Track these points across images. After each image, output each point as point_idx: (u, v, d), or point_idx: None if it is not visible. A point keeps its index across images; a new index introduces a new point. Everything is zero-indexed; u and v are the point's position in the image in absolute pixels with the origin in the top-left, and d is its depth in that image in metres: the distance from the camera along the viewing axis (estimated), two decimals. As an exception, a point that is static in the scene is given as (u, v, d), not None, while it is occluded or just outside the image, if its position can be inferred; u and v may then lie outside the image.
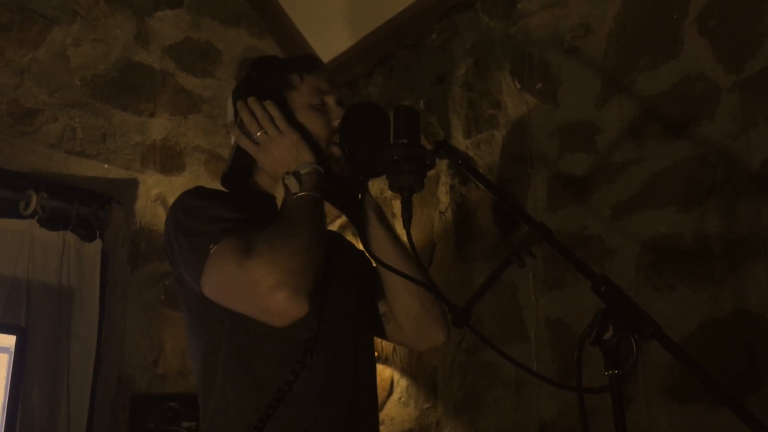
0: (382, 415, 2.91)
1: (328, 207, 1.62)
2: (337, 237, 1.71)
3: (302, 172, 1.41)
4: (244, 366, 1.37)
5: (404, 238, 1.33)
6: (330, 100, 1.55)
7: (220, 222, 1.33)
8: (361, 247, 1.53)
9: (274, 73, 1.57)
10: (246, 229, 1.31)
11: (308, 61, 1.62)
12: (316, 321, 1.39)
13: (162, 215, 2.99)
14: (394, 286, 1.54)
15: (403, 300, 1.55)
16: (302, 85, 1.55)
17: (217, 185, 1.57)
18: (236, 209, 1.38)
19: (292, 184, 1.40)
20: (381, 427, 2.87)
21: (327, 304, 1.42)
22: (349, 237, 2.65)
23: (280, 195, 1.46)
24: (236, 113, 1.51)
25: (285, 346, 1.37)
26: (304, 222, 1.33)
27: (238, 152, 1.52)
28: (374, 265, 1.54)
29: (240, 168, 1.54)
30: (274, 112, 1.47)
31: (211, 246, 1.28)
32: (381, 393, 2.94)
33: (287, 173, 1.41)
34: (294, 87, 1.54)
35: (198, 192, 1.46)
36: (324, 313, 1.41)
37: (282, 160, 1.44)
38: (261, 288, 1.21)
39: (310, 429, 1.35)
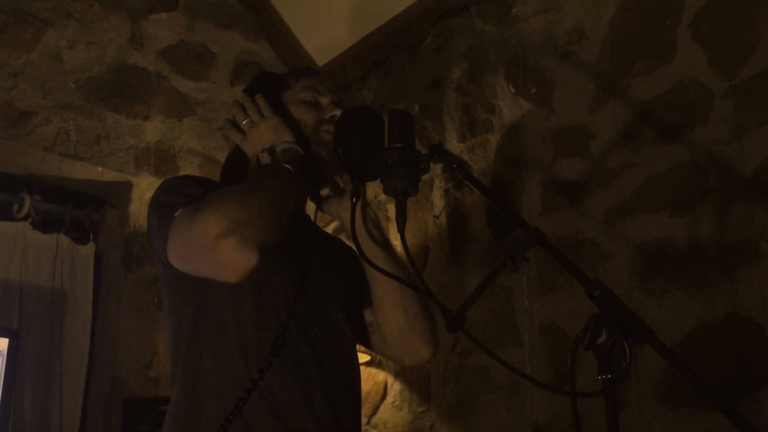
0: (375, 419, 2.91)
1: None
2: (335, 241, 1.71)
3: (277, 149, 1.42)
4: (206, 358, 1.35)
5: (398, 241, 1.33)
6: (324, 100, 1.57)
7: (190, 195, 1.33)
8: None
9: (272, 77, 1.62)
10: None
11: (307, 68, 1.67)
12: (286, 316, 1.37)
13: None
14: (379, 296, 1.53)
15: (387, 311, 1.52)
16: (296, 84, 1.58)
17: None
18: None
19: (264, 158, 1.41)
20: (374, 431, 2.88)
21: (303, 302, 1.41)
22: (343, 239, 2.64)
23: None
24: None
25: (252, 340, 1.35)
26: (262, 183, 1.33)
27: (234, 150, 1.54)
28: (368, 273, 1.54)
29: (235, 165, 1.55)
30: (261, 101, 1.50)
31: (176, 213, 1.29)
32: (375, 396, 2.93)
33: (262, 150, 1.43)
34: (288, 87, 1.58)
35: (182, 176, 1.49)
36: (298, 311, 1.39)
37: (261, 143, 1.46)
38: (208, 238, 1.19)
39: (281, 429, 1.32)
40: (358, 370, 1.55)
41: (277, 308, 1.38)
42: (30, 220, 2.88)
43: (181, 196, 1.33)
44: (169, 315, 1.46)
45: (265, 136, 1.46)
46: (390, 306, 1.52)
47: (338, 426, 1.39)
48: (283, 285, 1.40)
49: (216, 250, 1.20)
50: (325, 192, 1.60)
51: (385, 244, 1.53)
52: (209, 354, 1.36)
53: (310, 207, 1.61)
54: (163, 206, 1.34)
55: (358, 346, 1.61)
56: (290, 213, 1.35)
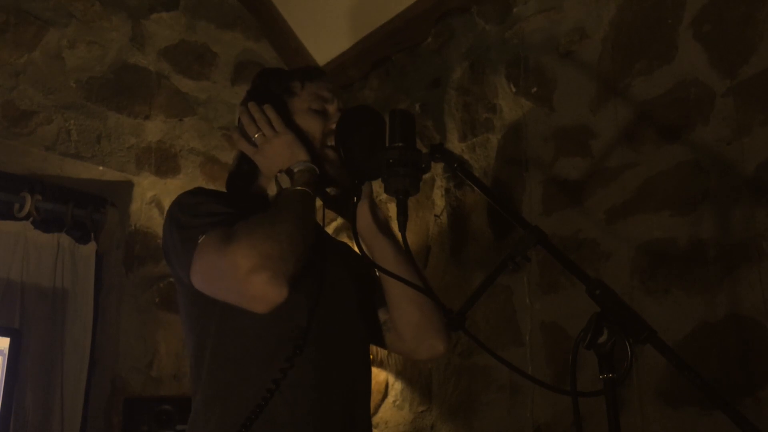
0: (376, 419, 2.91)
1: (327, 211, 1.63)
2: (342, 245, 1.71)
3: (295, 169, 1.43)
4: (230, 363, 1.37)
5: (400, 240, 1.33)
6: (331, 108, 1.57)
7: (211, 216, 1.35)
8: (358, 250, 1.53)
9: (276, 80, 1.60)
10: (235, 221, 1.32)
11: (310, 70, 1.65)
12: (307, 319, 1.38)
13: (157, 218, 2.99)
14: (394, 293, 1.54)
15: (402, 308, 1.54)
16: (303, 91, 1.57)
17: (213, 187, 1.58)
18: (232, 207, 1.39)
19: (284, 180, 1.42)
20: (375, 430, 2.88)
21: (322, 305, 1.42)
22: (344, 239, 2.65)
23: (273, 193, 1.48)
24: (239, 120, 1.54)
25: (274, 344, 1.37)
26: (289, 212, 1.34)
27: (241, 158, 1.54)
28: (377, 273, 1.54)
29: (242, 173, 1.56)
30: (272, 114, 1.50)
31: (200, 237, 1.30)
32: (376, 396, 2.93)
33: (280, 171, 1.43)
34: (294, 93, 1.57)
35: (195, 190, 1.49)
36: (318, 313, 1.40)
37: (277, 160, 1.46)
38: (240, 272, 1.22)
39: (300, 430, 1.34)
40: (370, 370, 1.57)
41: (298, 314, 1.39)
42: (31, 219, 2.89)
43: (201, 217, 1.35)
44: (189, 328, 1.47)
45: (279, 153, 1.46)
46: (405, 303, 1.53)
47: (353, 426, 1.41)
48: (303, 291, 1.41)
49: (247, 284, 1.23)
50: (332, 190, 1.60)
51: (393, 243, 1.54)
52: (233, 362, 1.37)
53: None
54: (184, 228, 1.35)
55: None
56: (313, 236, 1.37)
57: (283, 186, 1.42)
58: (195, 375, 1.42)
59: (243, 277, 1.22)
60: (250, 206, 1.43)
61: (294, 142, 1.46)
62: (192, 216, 1.36)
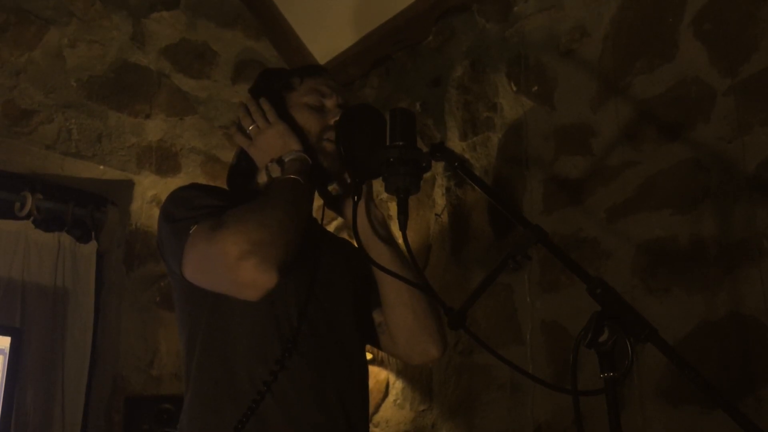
0: (377, 417, 2.91)
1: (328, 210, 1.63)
2: (343, 243, 1.71)
3: (286, 159, 1.43)
4: (220, 360, 1.36)
5: (400, 239, 1.33)
6: (329, 102, 1.56)
7: (204, 208, 1.35)
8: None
9: (277, 77, 1.61)
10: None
11: (311, 67, 1.66)
12: (297, 319, 1.38)
13: (157, 217, 2.99)
14: (388, 296, 1.53)
15: (396, 311, 1.53)
16: (301, 86, 1.57)
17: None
18: (227, 202, 1.38)
19: (275, 169, 1.42)
20: (376, 429, 2.88)
21: (314, 305, 1.41)
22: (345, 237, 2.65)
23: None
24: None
25: (264, 342, 1.36)
26: (279, 199, 1.34)
27: (240, 154, 1.55)
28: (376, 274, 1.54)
29: (241, 169, 1.55)
30: (266, 106, 1.50)
31: (192, 227, 1.30)
32: (376, 395, 2.94)
33: (271, 161, 1.43)
34: (293, 88, 1.57)
35: (190, 185, 1.50)
36: (310, 313, 1.40)
37: (269, 150, 1.46)
38: (229, 258, 1.22)
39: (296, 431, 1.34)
40: (367, 370, 1.56)
41: (288, 311, 1.39)
42: (32, 218, 2.89)
43: (193, 209, 1.35)
44: (181, 323, 1.47)
45: (272, 143, 1.46)
46: (398, 306, 1.52)
47: (350, 427, 1.40)
48: (293, 288, 1.40)
49: (237, 270, 1.22)
50: (333, 188, 1.60)
51: (390, 243, 1.53)
52: (223, 359, 1.37)
53: (315, 206, 1.61)
54: (175, 220, 1.35)
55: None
56: (305, 224, 1.36)
57: (273, 175, 1.42)
58: (186, 371, 1.42)
59: (233, 263, 1.22)
60: (247, 201, 1.43)
61: (287, 133, 1.46)
62: (186, 209, 1.36)
